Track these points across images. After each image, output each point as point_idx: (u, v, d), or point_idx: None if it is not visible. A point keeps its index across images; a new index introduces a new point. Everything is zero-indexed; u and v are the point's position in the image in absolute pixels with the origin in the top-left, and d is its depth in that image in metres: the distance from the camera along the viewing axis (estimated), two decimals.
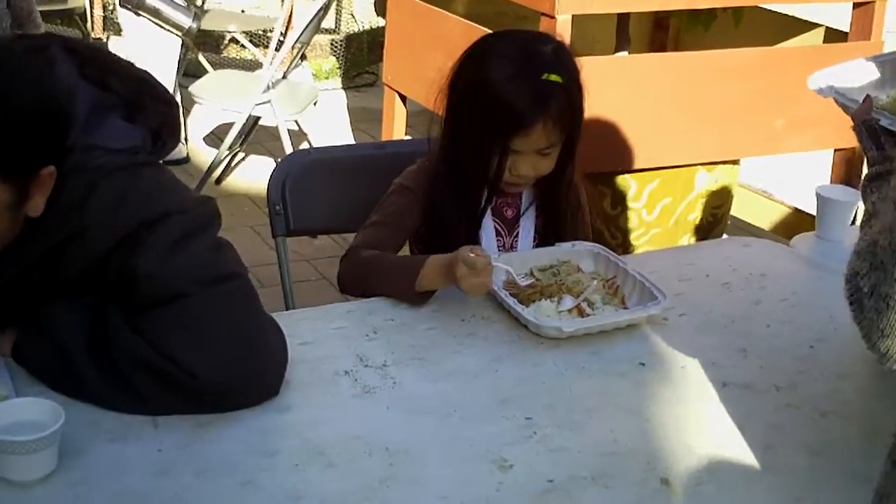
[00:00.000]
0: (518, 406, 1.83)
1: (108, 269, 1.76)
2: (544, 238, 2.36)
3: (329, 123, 6.26)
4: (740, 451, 1.74)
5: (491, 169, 2.21)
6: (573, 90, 2.19)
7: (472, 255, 2.04)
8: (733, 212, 4.51)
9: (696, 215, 4.14)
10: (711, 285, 2.34)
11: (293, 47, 5.30)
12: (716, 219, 4.23)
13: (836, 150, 4.26)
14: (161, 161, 1.87)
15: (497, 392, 1.88)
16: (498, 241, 2.32)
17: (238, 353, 1.72)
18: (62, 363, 1.74)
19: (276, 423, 1.75)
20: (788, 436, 1.80)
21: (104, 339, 1.72)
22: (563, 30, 3.52)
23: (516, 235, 2.34)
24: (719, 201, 4.21)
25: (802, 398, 1.90)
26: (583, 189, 2.45)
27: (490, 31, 3.52)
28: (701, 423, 1.83)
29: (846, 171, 4.21)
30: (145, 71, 1.93)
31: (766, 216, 4.64)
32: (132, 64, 1.93)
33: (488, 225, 2.33)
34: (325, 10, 5.22)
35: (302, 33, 5.14)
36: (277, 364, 1.81)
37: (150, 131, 1.84)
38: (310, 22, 5.13)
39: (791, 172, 5.07)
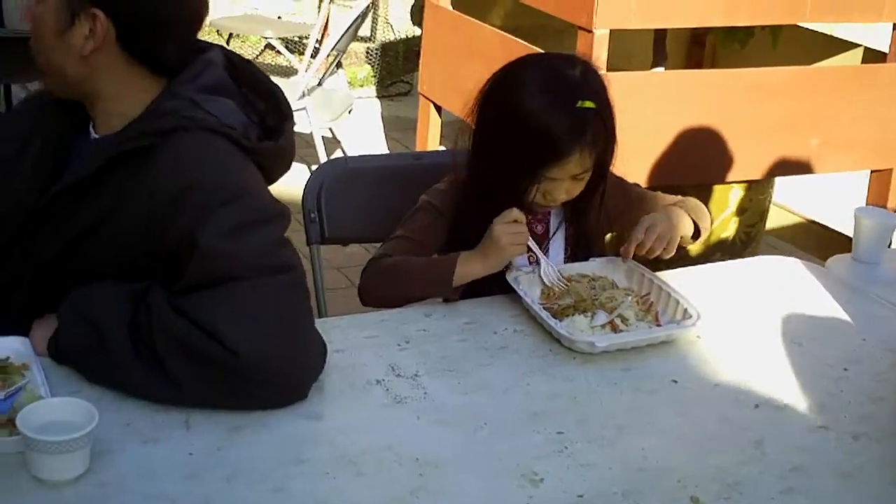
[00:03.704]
0: (549, 420, 1.83)
1: (169, 230, 1.78)
2: (575, 253, 2.35)
3: (363, 132, 6.27)
4: (770, 472, 1.73)
5: (526, 196, 2.21)
6: (605, 113, 2.19)
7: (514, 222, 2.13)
8: (767, 230, 4.50)
9: (729, 233, 4.13)
10: (745, 304, 2.33)
11: (329, 54, 5.31)
12: (749, 237, 4.22)
13: (872, 172, 4.25)
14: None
15: (528, 406, 1.87)
16: (529, 257, 2.32)
17: (281, 338, 1.73)
18: (101, 346, 1.75)
19: (307, 430, 1.76)
20: (819, 458, 1.78)
21: (147, 324, 1.73)
22: (600, 44, 3.53)
23: (546, 251, 2.34)
24: (753, 220, 4.21)
25: (834, 420, 1.89)
26: (626, 185, 2.45)
27: (524, 43, 3.54)
28: (732, 443, 1.81)
29: (882, 193, 4.19)
30: (277, 86, 2.01)
31: (800, 236, 4.63)
32: (269, 78, 2.01)
33: None
34: (362, 17, 5.23)
35: (339, 41, 5.15)
36: (314, 363, 1.82)
37: (257, 129, 1.90)
38: (347, 29, 5.14)
39: (827, 193, 5.05)
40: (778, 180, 4.39)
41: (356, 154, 4.58)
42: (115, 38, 1.83)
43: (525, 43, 3.84)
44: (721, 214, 4.06)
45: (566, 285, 2.21)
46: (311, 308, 1.85)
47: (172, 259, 1.78)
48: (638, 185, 2.46)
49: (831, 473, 1.75)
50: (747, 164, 3.90)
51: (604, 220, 2.37)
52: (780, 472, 1.73)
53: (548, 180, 2.19)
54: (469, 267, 2.15)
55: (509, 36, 4.01)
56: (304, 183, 2.63)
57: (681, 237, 2.29)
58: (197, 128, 1.81)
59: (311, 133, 5.14)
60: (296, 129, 5.50)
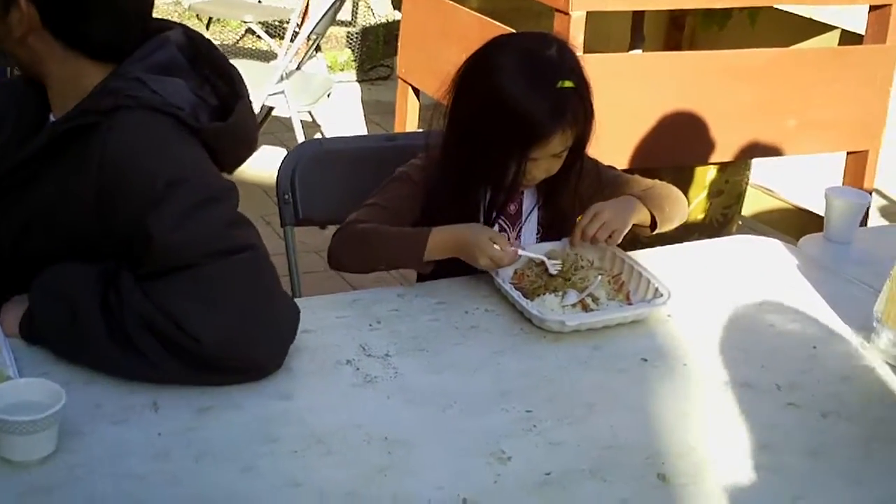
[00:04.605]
0: (518, 399, 1.83)
1: (119, 213, 1.78)
2: (548, 233, 2.35)
3: (343, 116, 6.25)
4: (739, 450, 1.74)
5: (507, 177, 2.21)
6: (584, 91, 2.19)
7: (499, 249, 2.10)
8: (744, 212, 4.51)
9: (706, 215, 4.14)
10: (716, 283, 2.34)
11: (308, 38, 5.30)
12: (726, 219, 4.23)
13: (848, 153, 4.26)
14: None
15: (498, 384, 1.88)
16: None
17: (242, 322, 1.74)
18: (74, 323, 1.76)
19: (278, 410, 1.76)
20: (788, 436, 1.80)
21: (118, 303, 1.74)
22: (576, 26, 3.53)
23: (520, 232, 2.34)
24: (730, 201, 4.22)
25: (803, 398, 1.90)
26: (600, 167, 2.43)
27: (502, 26, 3.54)
28: (700, 421, 1.83)
29: (858, 174, 4.20)
30: (234, 68, 2.00)
31: (777, 217, 4.64)
32: (226, 59, 2.00)
33: None
34: (341, 2, 5.22)
35: (317, 24, 5.13)
36: (281, 340, 1.83)
37: (207, 112, 1.89)
38: (325, 13, 5.13)
39: (805, 174, 5.06)
40: (756, 162, 4.40)
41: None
42: (39, 22, 1.82)
43: (503, 25, 3.83)
44: (698, 196, 4.07)
45: (568, 254, 2.22)
46: (276, 280, 1.84)
47: (128, 243, 1.78)
48: (613, 168, 2.46)
49: (799, 451, 1.76)
50: (724, 145, 3.91)
51: (577, 202, 2.37)
52: (748, 450, 1.75)
53: (529, 160, 2.19)
54: (441, 246, 2.15)
55: (487, 19, 4.01)
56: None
57: (638, 226, 2.29)
58: (140, 107, 1.79)
59: (290, 117, 5.13)
60: (275, 112, 5.49)
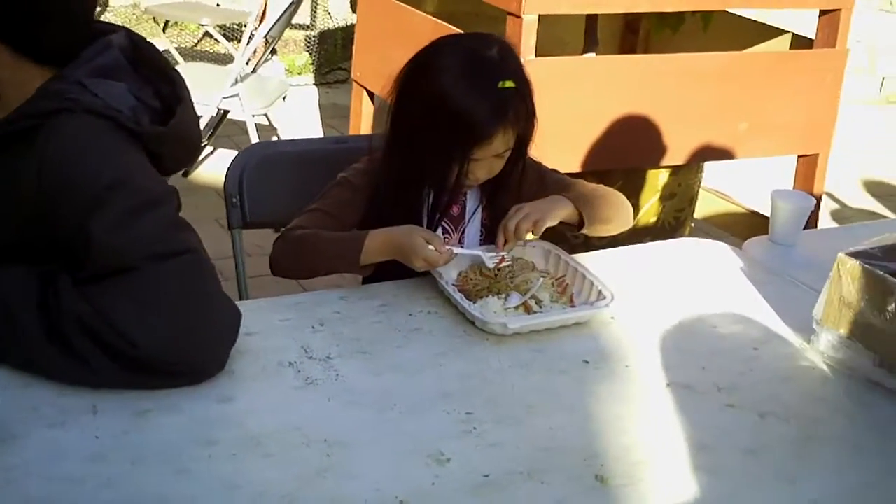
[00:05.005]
0: (459, 401, 1.84)
1: (59, 217, 1.77)
2: (491, 234, 2.35)
3: (300, 119, 6.25)
4: (677, 451, 1.75)
5: (449, 178, 2.22)
6: (525, 91, 2.20)
7: (433, 249, 2.09)
8: (697, 215, 4.53)
9: (658, 218, 4.16)
10: (661, 286, 2.35)
11: (266, 41, 5.29)
12: (678, 222, 4.25)
13: (799, 157, 4.29)
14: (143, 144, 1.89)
15: (439, 387, 1.88)
16: (445, 238, 2.32)
17: (180, 327, 1.73)
18: (10, 325, 1.74)
19: (217, 413, 1.76)
20: (726, 436, 1.81)
21: (56, 307, 1.73)
22: (529, 29, 3.53)
23: (463, 234, 2.35)
24: (682, 204, 4.24)
25: (743, 399, 1.92)
26: (543, 169, 2.43)
27: (455, 29, 3.54)
28: (640, 422, 1.83)
29: (809, 177, 4.23)
30: (176, 71, 1.99)
31: (730, 220, 4.67)
32: (168, 62, 2.00)
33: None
34: (296, 4, 5.22)
35: (273, 27, 5.13)
36: (221, 343, 1.83)
37: (149, 115, 1.88)
38: (280, 16, 5.13)
39: (758, 178, 5.09)
40: (710, 166, 4.42)
41: None
42: None
43: (457, 29, 3.83)
44: (650, 199, 4.09)
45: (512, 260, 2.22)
46: (216, 283, 1.83)
47: (68, 247, 1.77)
48: (557, 172, 2.46)
49: (736, 451, 1.77)
50: (676, 148, 3.92)
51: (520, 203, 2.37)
52: (686, 451, 1.75)
53: (471, 161, 2.20)
54: (377, 249, 2.15)
55: (441, 22, 4.00)
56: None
57: (566, 224, 2.28)
58: (80, 110, 1.79)
59: (245, 120, 5.12)
60: (230, 115, 5.47)
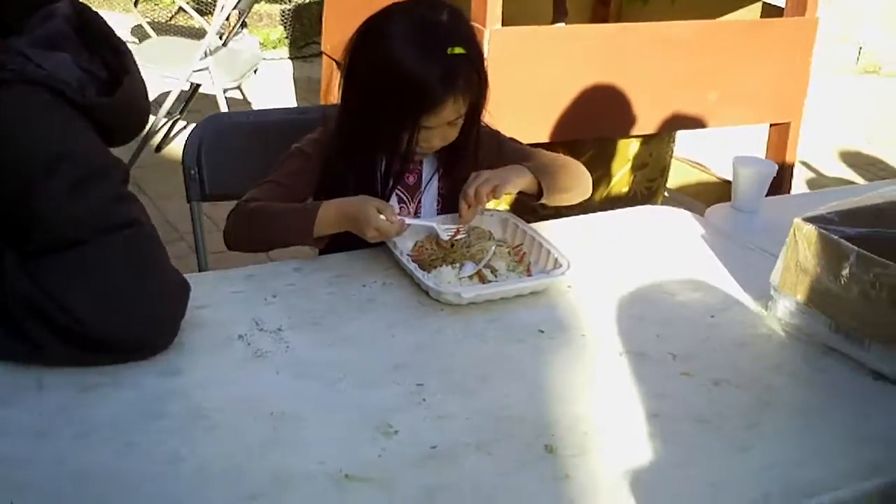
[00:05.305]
0: (410, 372, 1.82)
1: (1, 191, 1.74)
2: (448, 204, 2.33)
3: (273, 93, 6.22)
4: (629, 419, 1.74)
5: (401, 145, 2.19)
6: (476, 57, 2.17)
7: (385, 219, 2.07)
8: (669, 185, 4.52)
9: (630, 188, 4.14)
10: (619, 253, 2.34)
11: (240, 14, 5.24)
12: (651, 191, 4.23)
13: (771, 125, 4.27)
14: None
15: (391, 358, 1.86)
16: (401, 208, 2.30)
17: (125, 301, 1.72)
18: None
19: (165, 386, 1.73)
20: (679, 404, 1.79)
21: (0, 287, 1.70)
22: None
23: (419, 203, 2.32)
24: (654, 174, 4.22)
25: (697, 367, 1.90)
26: (501, 138, 2.41)
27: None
28: (593, 391, 1.82)
29: (781, 146, 4.22)
30: (122, 41, 1.94)
31: (702, 189, 4.65)
32: (114, 32, 1.95)
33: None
34: None
35: (239, 0, 5.09)
36: (169, 317, 1.81)
37: (96, 86, 1.84)
38: None
39: (731, 147, 5.07)
40: (683, 135, 4.40)
41: None
42: None
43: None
44: (621, 169, 4.07)
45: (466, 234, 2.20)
46: (163, 255, 1.81)
47: (12, 220, 1.74)
48: (516, 141, 2.44)
49: (689, 419, 1.75)
50: (647, 118, 3.90)
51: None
52: (639, 419, 1.74)
53: (423, 129, 2.17)
54: (330, 220, 2.13)
55: None
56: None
57: (525, 194, 2.26)
58: (22, 81, 1.76)
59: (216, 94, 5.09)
60: (202, 90, 5.41)
